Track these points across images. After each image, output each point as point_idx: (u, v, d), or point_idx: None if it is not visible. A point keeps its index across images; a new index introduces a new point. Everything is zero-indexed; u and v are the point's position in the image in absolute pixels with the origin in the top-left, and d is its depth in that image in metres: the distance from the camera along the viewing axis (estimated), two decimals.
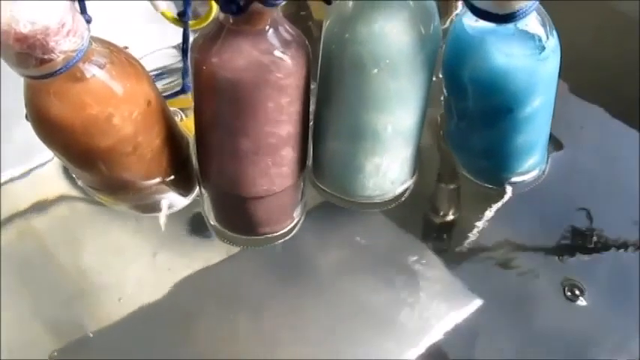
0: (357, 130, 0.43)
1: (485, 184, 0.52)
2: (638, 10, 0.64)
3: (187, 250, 0.49)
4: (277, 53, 0.38)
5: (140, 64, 0.42)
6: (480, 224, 0.52)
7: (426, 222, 0.53)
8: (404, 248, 0.49)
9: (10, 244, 0.48)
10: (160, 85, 0.58)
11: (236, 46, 0.38)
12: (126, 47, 0.43)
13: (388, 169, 0.46)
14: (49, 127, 0.38)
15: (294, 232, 0.47)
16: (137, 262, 0.48)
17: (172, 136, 0.44)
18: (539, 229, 0.51)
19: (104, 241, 0.49)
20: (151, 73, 0.58)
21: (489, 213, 0.52)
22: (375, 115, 0.42)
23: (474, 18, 0.41)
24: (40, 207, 0.51)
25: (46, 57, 0.34)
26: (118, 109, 0.39)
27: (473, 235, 0.51)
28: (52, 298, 0.46)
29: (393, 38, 0.40)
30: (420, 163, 0.49)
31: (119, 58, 0.39)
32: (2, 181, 0.52)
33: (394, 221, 0.51)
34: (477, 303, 0.46)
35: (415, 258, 0.49)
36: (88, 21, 0.36)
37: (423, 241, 0.50)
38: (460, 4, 0.55)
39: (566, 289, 0.47)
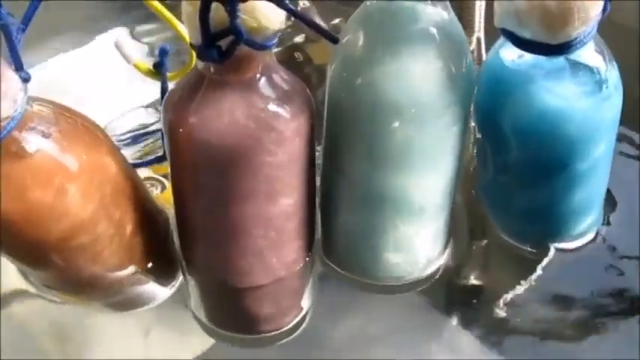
0: (376, 197, 0.35)
1: (527, 248, 0.43)
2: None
3: (180, 337, 0.41)
4: (273, 107, 0.31)
5: (99, 128, 0.34)
6: (519, 293, 0.43)
7: (456, 293, 0.44)
8: (432, 328, 0.41)
9: None
10: (139, 148, 0.51)
11: (220, 100, 0.31)
12: None
13: (417, 243, 0.37)
14: None
15: (303, 325, 0.38)
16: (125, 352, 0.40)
17: (147, 215, 0.36)
18: (589, 300, 0.42)
19: (86, 330, 0.41)
20: (129, 135, 0.52)
21: (528, 282, 0.43)
22: (399, 178, 0.34)
23: (515, 51, 0.33)
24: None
25: None
26: (71, 188, 0.30)
27: (508, 307, 0.42)
28: None
29: (417, 81, 0.32)
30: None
31: (71, 122, 0.32)
32: None
33: (421, 298, 0.42)
34: None
35: (445, 338, 0.41)
36: (25, 79, 0.28)
37: (452, 316, 0.42)
38: (475, 39, 0.47)
39: None
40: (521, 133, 0.35)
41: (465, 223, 0.46)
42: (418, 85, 0.32)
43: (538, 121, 0.34)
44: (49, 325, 0.41)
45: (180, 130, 0.31)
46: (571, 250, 0.42)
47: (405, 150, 0.33)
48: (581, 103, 0.33)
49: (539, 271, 0.41)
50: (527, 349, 0.40)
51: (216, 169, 0.31)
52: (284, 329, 0.38)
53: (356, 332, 0.40)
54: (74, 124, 0.32)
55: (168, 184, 0.46)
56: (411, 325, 0.41)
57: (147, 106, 0.54)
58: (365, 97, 0.32)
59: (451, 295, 0.43)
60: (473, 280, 0.44)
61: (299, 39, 0.61)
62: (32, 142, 0.29)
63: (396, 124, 0.32)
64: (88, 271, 0.34)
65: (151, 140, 0.51)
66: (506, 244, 0.43)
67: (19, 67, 0.28)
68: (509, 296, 0.42)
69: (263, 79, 0.31)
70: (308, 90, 0.33)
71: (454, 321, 0.42)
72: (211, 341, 0.39)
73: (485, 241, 0.45)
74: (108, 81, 0.56)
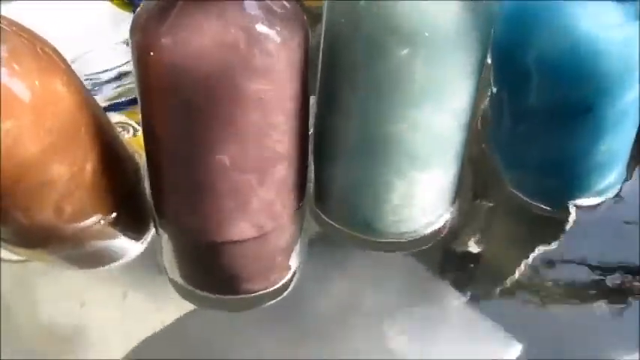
0: (378, 139, 0.30)
1: (544, 206, 0.39)
2: None
3: (161, 292, 0.35)
4: (261, 28, 0.26)
5: (61, 56, 0.29)
6: (531, 258, 0.39)
7: (459, 257, 0.40)
8: (431, 293, 0.38)
9: None
10: (112, 88, 0.45)
11: (198, 19, 0.26)
12: None
13: (421, 196, 0.32)
14: None
15: (290, 288, 0.34)
16: (102, 309, 0.36)
17: (113, 159, 0.31)
18: (603, 265, 0.39)
19: (61, 285, 0.37)
20: (102, 74, 0.47)
21: (546, 245, 0.39)
22: (405, 117, 0.29)
23: None
24: None
25: None
26: (19, 119, 0.25)
27: (520, 272, 0.38)
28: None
29: (432, 3, 0.27)
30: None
31: (25, 44, 0.27)
32: None
33: (420, 259, 0.38)
34: (517, 349, 0.36)
35: (448, 302, 0.38)
36: None
37: (454, 282, 0.38)
38: None
39: None
40: (546, 69, 0.31)
41: (472, 179, 0.42)
42: (432, 8, 0.27)
43: (567, 52, 0.30)
44: (17, 286, 0.36)
45: (151, 54, 0.26)
46: (591, 208, 0.38)
47: (414, 83, 0.28)
48: (620, 33, 0.29)
49: (556, 234, 0.37)
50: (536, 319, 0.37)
51: (192, 101, 0.26)
52: (268, 290, 0.33)
53: (346, 296, 0.36)
54: (29, 46, 0.27)
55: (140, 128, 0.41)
56: (406, 291, 0.37)
57: (120, 43, 0.48)
58: (369, 22, 0.28)
59: (453, 260, 0.39)
60: (481, 241, 0.40)
61: None
62: None
63: (405, 51, 0.27)
64: (41, 219, 0.29)
65: (127, 81, 0.46)
66: (518, 201, 0.39)
67: None
68: (527, 262, 0.38)
69: None
70: (303, 14, 0.28)
71: (455, 289, 0.38)
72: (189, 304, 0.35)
73: (495, 198, 0.41)
74: (78, 15, 0.50)
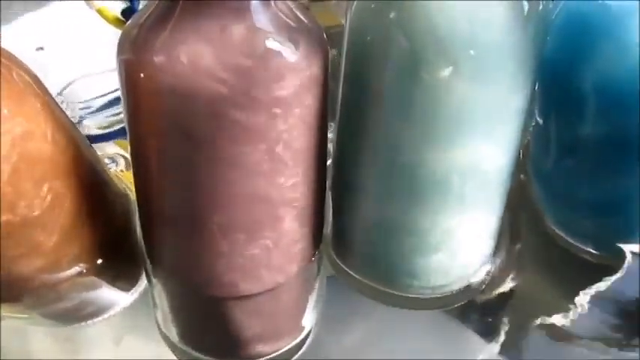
0: (410, 175, 0.26)
1: (592, 250, 0.35)
2: None
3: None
4: (273, 46, 0.22)
5: (41, 84, 0.26)
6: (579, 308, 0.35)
7: (493, 306, 0.35)
8: (464, 347, 0.33)
9: None
10: (106, 117, 0.41)
11: (197, 33, 0.21)
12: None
13: (460, 242, 0.28)
14: None
15: (301, 350, 0.29)
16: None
17: (97, 196, 0.27)
18: None
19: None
20: (94, 101, 0.43)
21: (590, 292, 0.35)
22: (442, 151, 0.25)
23: None
24: None
25: None
26: None
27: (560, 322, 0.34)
28: None
29: (478, 17, 0.22)
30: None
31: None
32: None
33: (455, 316, 0.33)
34: None
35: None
36: None
37: (487, 334, 0.33)
38: None
39: None
40: (606, 93, 0.27)
41: (509, 214, 0.37)
42: (477, 23, 0.23)
43: (633, 76, 0.25)
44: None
45: (141, 74, 0.22)
46: None
47: (455, 110, 0.24)
48: None
49: (612, 279, 0.32)
50: None
51: (188, 131, 0.22)
52: (278, 354, 0.29)
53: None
54: (2, 70, 0.23)
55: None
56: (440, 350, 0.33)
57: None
58: (400, 37, 0.23)
59: (484, 308, 0.34)
60: (516, 286, 0.35)
61: None
62: None
63: (446, 72, 0.23)
64: (12, 267, 0.24)
65: (117, 109, 0.42)
66: (561, 242, 0.35)
67: None
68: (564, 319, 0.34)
69: (259, 6, 0.22)
70: (324, 31, 0.24)
71: (486, 342, 0.33)
72: None
73: (534, 238, 0.36)
74: (71, 40, 0.47)
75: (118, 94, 0.43)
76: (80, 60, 0.46)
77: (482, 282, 0.31)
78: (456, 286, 0.30)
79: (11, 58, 0.25)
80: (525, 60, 0.24)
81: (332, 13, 0.54)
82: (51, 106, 0.25)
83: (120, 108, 0.42)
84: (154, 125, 0.23)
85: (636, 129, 0.27)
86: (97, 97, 0.43)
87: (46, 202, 0.23)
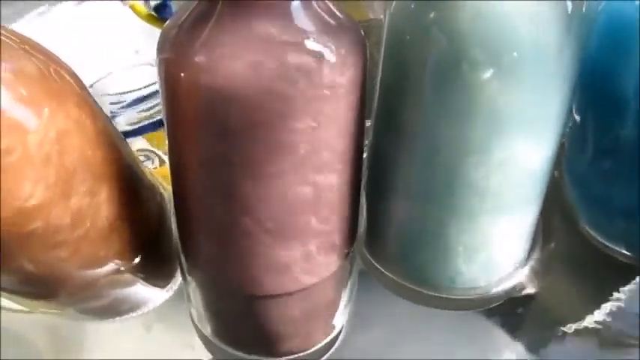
0: (448, 181, 0.26)
1: (625, 251, 0.34)
2: None
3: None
4: (312, 44, 0.22)
5: (80, 81, 0.25)
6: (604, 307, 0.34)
7: (523, 306, 0.35)
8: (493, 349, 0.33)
9: None
10: (138, 112, 0.41)
11: (238, 33, 0.21)
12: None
13: (496, 244, 0.28)
14: None
15: (333, 348, 0.29)
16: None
17: (133, 195, 0.27)
18: None
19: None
20: (124, 96, 0.43)
21: (623, 294, 0.35)
22: (483, 156, 0.25)
23: None
24: None
25: None
26: (25, 153, 0.21)
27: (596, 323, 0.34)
28: None
29: (519, 18, 0.22)
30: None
31: (35, 63, 0.23)
32: None
33: (483, 315, 0.33)
34: None
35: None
36: None
37: (517, 335, 0.33)
38: None
39: None
40: None
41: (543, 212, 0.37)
42: (518, 24, 0.22)
43: None
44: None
45: (182, 74, 0.22)
46: None
47: (496, 112, 0.23)
48: None
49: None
50: None
51: (228, 130, 0.22)
52: (309, 352, 0.29)
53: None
54: (40, 67, 0.23)
55: (166, 158, 0.37)
56: (470, 353, 0.33)
57: (147, 64, 0.45)
58: (441, 38, 0.23)
59: (515, 309, 0.34)
60: (548, 286, 0.34)
61: None
62: None
63: (487, 74, 0.23)
64: (50, 267, 0.25)
65: (149, 104, 0.42)
66: (594, 242, 0.35)
67: None
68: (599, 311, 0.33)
69: (299, 5, 0.22)
70: (360, 26, 0.24)
71: (519, 339, 0.33)
72: None
73: (567, 238, 0.36)
74: (102, 33, 0.47)
75: (150, 89, 0.44)
76: (107, 55, 0.46)
77: (516, 285, 0.30)
78: (490, 289, 0.29)
79: (48, 54, 0.25)
80: (568, 61, 0.24)
81: (361, 7, 0.54)
82: (90, 103, 0.25)
83: (150, 103, 0.42)
84: (192, 123, 0.23)
85: None
86: (126, 92, 0.43)
87: (86, 201, 0.24)
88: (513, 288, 0.30)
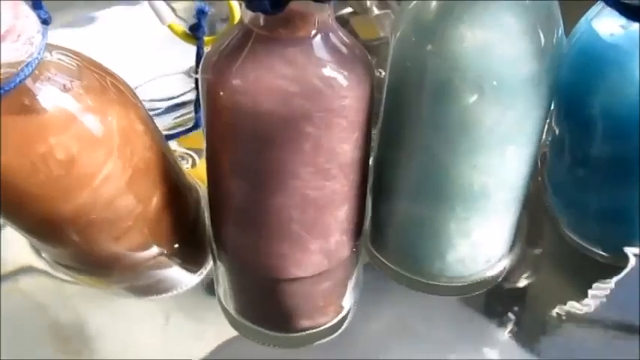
0: (441, 185, 0.30)
1: (600, 251, 0.38)
2: None
3: (202, 317, 0.36)
4: (329, 73, 0.26)
5: (131, 90, 0.30)
6: (583, 303, 0.38)
7: (510, 299, 0.39)
8: (483, 335, 0.37)
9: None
10: (168, 120, 0.46)
11: (268, 61, 0.26)
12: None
13: (481, 239, 0.32)
14: None
15: (343, 326, 0.34)
16: (145, 329, 0.36)
17: (176, 191, 0.32)
18: None
19: (105, 302, 0.36)
20: (157, 105, 0.48)
21: (599, 290, 0.39)
22: (470, 164, 0.29)
23: (613, 22, 0.28)
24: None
25: None
26: (92, 154, 0.26)
27: (571, 317, 0.38)
28: None
29: (502, 51, 0.27)
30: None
31: (97, 78, 0.27)
32: None
33: (473, 301, 0.37)
34: None
35: (498, 345, 0.37)
36: (45, 21, 0.24)
37: (505, 324, 0.37)
38: None
39: None
40: (611, 118, 0.30)
41: (526, 216, 0.41)
42: (501, 56, 0.27)
43: (633, 104, 0.29)
44: (62, 303, 0.36)
45: (221, 93, 0.27)
46: None
47: (482, 128, 0.28)
48: None
49: (613, 280, 0.36)
50: None
51: (259, 141, 0.27)
52: (321, 329, 0.33)
53: (398, 338, 0.36)
54: (101, 81, 0.28)
55: (198, 158, 0.41)
56: (460, 334, 0.37)
57: (180, 73, 0.49)
58: (436, 67, 0.28)
59: (502, 301, 0.38)
60: (532, 283, 0.39)
61: (345, 11, 0.56)
62: (49, 95, 0.25)
63: (473, 98, 0.27)
64: (105, 249, 0.30)
65: (182, 111, 0.47)
66: (572, 244, 0.39)
67: (37, 5, 0.24)
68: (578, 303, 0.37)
69: (319, 39, 0.26)
70: (369, 57, 0.29)
71: (506, 333, 0.37)
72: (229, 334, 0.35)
73: (548, 238, 0.40)
74: (139, 45, 0.52)
75: (183, 99, 0.48)
76: (141, 65, 0.50)
77: (499, 274, 0.35)
78: (476, 277, 0.34)
79: (105, 69, 0.29)
80: (541, 87, 0.28)
81: (372, 26, 0.58)
82: (141, 109, 0.30)
83: (183, 111, 0.47)
84: (228, 133, 0.28)
85: (637, 149, 0.31)
86: (161, 100, 0.48)
87: (142, 194, 0.28)
88: (496, 278, 0.35)
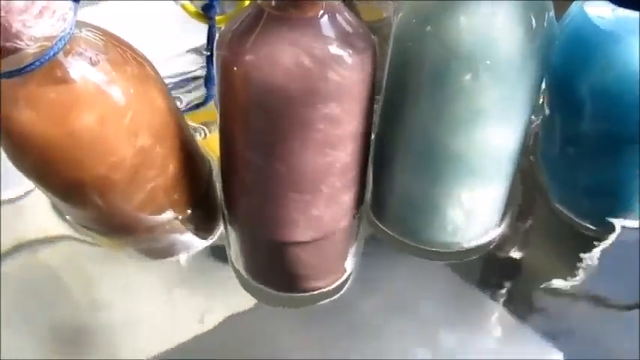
0: (436, 157, 0.33)
1: (588, 224, 0.40)
2: None
3: (210, 290, 0.39)
4: (335, 49, 0.28)
5: (150, 64, 0.32)
6: (572, 272, 0.40)
7: (504, 267, 0.41)
8: (477, 304, 0.40)
9: (12, 274, 0.40)
10: (177, 95, 0.48)
11: (279, 39, 0.28)
12: None
13: (476, 210, 0.34)
14: (18, 147, 0.28)
15: (344, 288, 0.36)
16: (152, 302, 0.39)
17: (191, 160, 0.34)
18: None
19: (116, 274, 0.40)
20: (168, 81, 0.50)
21: (587, 259, 0.41)
22: (465, 139, 0.31)
23: (602, 6, 0.30)
24: (46, 234, 0.42)
25: (8, 45, 0.23)
26: (117, 123, 0.28)
27: (562, 284, 0.40)
28: (57, 334, 0.38)
29: (494, 33, 0.29)
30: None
31: (120, 53, 0.29)
32: (3, 201, 0.43)
33: (468, 270, 0.40)
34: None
35: (489, 310, 0.40)
36: None
37: (498, 292, 0.40)
38: None
39: None
40: (599, 99, 0.33)
41: (520, 191, 0.43)
42: (495, 37, 0.29)
43: (620, 85, 0.31)
44: (75, 270, 0.40)
45: (235, 68, 0.29)
46: (634, 229, 0.39)
47: (475, 107, 0.30)
48: None
49: (600, 248, 0.39)
50: (574, 333, 0.39)
51: (269, 113, 0.29)
52: (324, 290, 0.36)
53: (396, 300, 0.38)
54: (124, 55, 0.30)
55: (207, 132, 0.44)
56: (454, 299, 0.39)
57: (191, 51, 0.51)
58: (435, 47, 0.30)
59: (498, 270, 0.41)
60: (525, 254, 0.41)
61: None
62: (78, 67, 0.27)
63: (467, 77, 0.29)
64: (125, 212, 0.32)
65: (190, 87, 0.49)
66: (563, 217, 0.41)
67: None
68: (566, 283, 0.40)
69: (326, 19, 0.28)
70: (372, 36, 0.31)
71: (498, 298, 0.40)
72: (235, 307, 0.38)
73: (540, 212, 0.43)
74: (153, 23, 0.54)
75: (193, 75, 0.50)
76: (152, 43, 0.52)
77: (491, 242, 0.37)
78: (469, 244, 0.36)
79: (128, 44, 0.31)
80: (532, 66, 0.30)
81: (376, 8, 0.60)
82: (160, 82, 0.32)
83: (193, 86, 0.49)
84: (240, 105, 0.30)
85: (623, 128, 0.33)
86: (174, 76, 0.50)
87: (160, 161, 0.31)
88: (488, 245, 0.37)
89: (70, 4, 0.25)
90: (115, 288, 0.39)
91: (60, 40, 0.25)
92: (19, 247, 0.41)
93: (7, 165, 0.30)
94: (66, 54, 0.26)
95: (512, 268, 0.41)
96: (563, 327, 0.39)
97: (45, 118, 0.27)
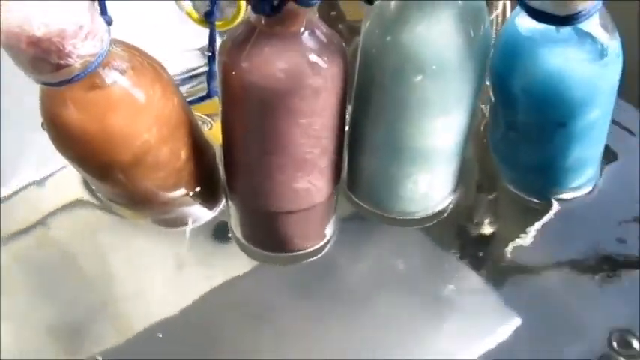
0: (397, 143, 0.40)
1: (532, 199, 0.47)
2: None
3: (212, 261, 0.46)
4: (313, 57, 0.35)
5: (164, 68, 0.39)
6: (521, 241, 0.47)
7: (465, 237, 0.48)
8: (440, 264, 0.46)
9: (29, 250, 0.46)
10: (183, 89, 0.54)
11: (268, 49, 0.35)
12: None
13: (430, 186, 0.42)
14: (65, 138, 0.35)
15: (325, 250, 0.44)
16: (161, 273, 0.45)
17: (198, 147, 0.41)
18: (586, 250, 0.47)
19: (127, 250, 0.46)
20: (175, 77, 0.57)
21: (533, 230, 0.48)
22: (418, 128, 0.39)
23: (529, 20, 0.38)
24: (61, 213, 0.48)
25: (62, 62, 0.31)
26: (141, 118, 0.36)
27: (513, 253, 0.47)
28: (71, 308, 0.43)
29: (439, 42, 0.36)
30: (461, 173, 0.46)
31: (141, 62, 0.36)
32: (22, 185, 0.49)
33: (431, 236, 0.47)
34: (515, 322, 0.43)
35: (452, 274, 0.46)
36: (109, 22, 0.33)
37: (460, 258, 0.47)
38: (501, 4, 0.51)
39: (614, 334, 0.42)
40: (528, 94, 0.39)
41: (476, 174, 0.50)
42: (440, 45, 0.36)
43: (543, 82, 0.38)
44: (91, 242, 0.46)
45: (233, 72, 0.35)
46: (569, 201, 0.47)
47: (425, 102, 0.38)
48: (582, 68, 0.38)
49: (543, 221, 0.46)
50: (528, 290, 0.44)
51: (262, 108, 0.36)
52: (308, 251, 0.44)
53: (370, 260, 0.45)
54: (143, 63, 0.37)
55: (212, 123, 0.50)
56: (420, 263, 0.46)
57: (193, 50, 0.58)
58: (392, 53, 0.37)
59: (461, 238, 0.48)
60: (482, 225, 0.48)
61: None
62: (111, 76, 0.34)
63: (419, 78, 0.37)
64: (146, 188, 0.39)
65: (195, 83, 0.56)
66: (513, 195, 0.48)
67: (104, 11, 0.33)
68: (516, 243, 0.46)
69: (306, 33, 0.35)
70: (344, 44, 0.38)
71: (462, 260, 0.46)
72: (234, 273, 0.44)
73: (493, 188, 0.49)
74: (159, 25, 0.59)
75: (194, 72, 0.57)
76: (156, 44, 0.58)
77: (445, 209, 0.45)
78: (428, 212, 0.44)
79: (141, 51, 0.37)
80: (471, 67, 0.37)
81: (359, 8, 0.66)
82: (172, 83, 0.39)
83: (194, 83, 0.56)
84: (238, 102, 0.36)
85: (550, 117, 0.40)
86: (180, 74, 0.57)
87: (175, 147, 0.38)
88: (443, 212, 0.45)
89: (106, 27, 0.33)
90: (127, 259, 0.45)
91: (99, 56, 0.32)
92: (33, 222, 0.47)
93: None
94: (102, 66, 0.33)
95: (477, 236, 0.48)
96: (521, 293, 0.44)
97: (85, 116, 0.34)
